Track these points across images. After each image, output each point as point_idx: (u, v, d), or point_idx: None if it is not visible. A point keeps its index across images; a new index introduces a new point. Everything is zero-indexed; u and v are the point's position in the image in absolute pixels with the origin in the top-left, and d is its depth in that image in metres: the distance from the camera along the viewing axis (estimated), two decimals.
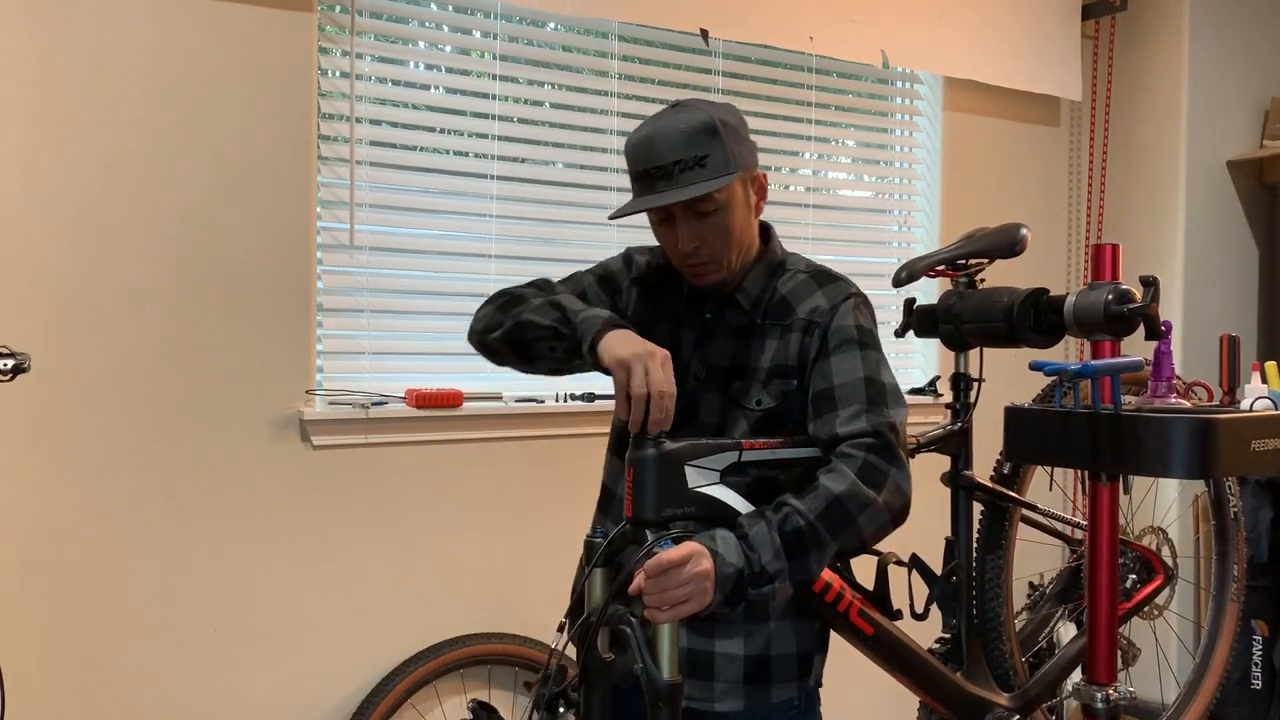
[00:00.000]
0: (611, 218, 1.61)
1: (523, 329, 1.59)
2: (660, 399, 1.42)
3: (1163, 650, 3.19)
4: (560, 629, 1.53)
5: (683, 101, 1.62)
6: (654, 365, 1.42)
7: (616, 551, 1.50)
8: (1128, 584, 2.13)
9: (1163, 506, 3.30)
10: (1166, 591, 2.16)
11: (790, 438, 1.58)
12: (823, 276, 1.67)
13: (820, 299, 1.63)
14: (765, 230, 1.73)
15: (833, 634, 1.70)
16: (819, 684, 1.73)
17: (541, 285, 1.72)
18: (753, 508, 1.51)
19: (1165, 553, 2.21)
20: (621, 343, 1.46)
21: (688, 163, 1.52)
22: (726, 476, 1.50)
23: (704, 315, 1.67)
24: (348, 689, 2.58)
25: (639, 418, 1.43)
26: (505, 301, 1.68)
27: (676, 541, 1.40)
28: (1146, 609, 2.15)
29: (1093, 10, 3.65)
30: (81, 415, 2.28)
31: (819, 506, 1.45)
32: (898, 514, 1.52)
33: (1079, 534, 2.11)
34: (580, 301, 1.61)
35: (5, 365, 1.78)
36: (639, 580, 1.37)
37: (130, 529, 2.33)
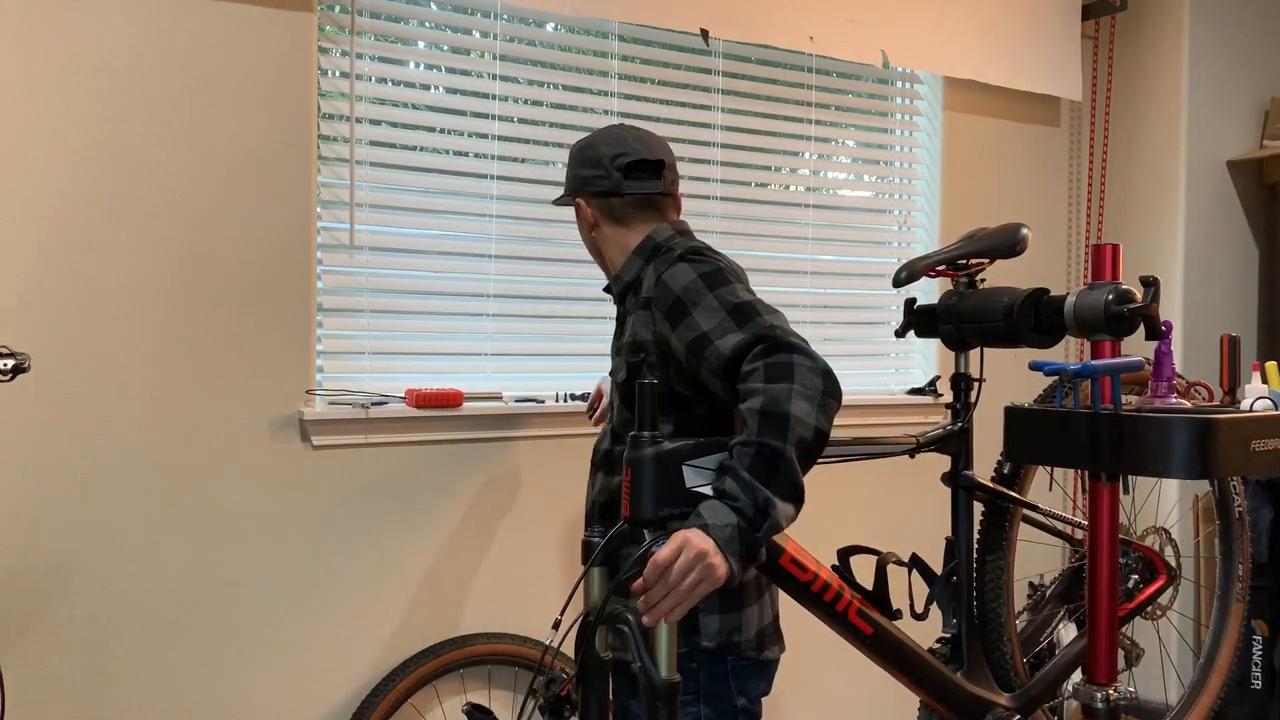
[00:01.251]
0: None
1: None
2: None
3: (1165, 650, 3.19)
4: (554, 626, 1.53)
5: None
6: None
7: (615, 551, 1.50)
8: (1130, 584, 2.13)
9: (1165, 507, 3.30)
10: (1169, 592, 2.16)
11: None
12: (660, 252, 1.81)
13: (650, 272, 1.77)
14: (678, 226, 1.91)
15: (832, 633, 1.70)
16: (733, 647, 1.74)
17: None
18: None
19: (1168, 553, 2.21)
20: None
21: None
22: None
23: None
24: (348, 689, 2.58)
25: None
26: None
27: (668, 535, 1.40)
28: (1149, 609, 2.15)
29: (1093, 10, 3.65)
30: (81, 415, 2.28)
31: (755, 427, 1.45)
32: (822, 386, 1.49)
33: (1080, 534, 2.11)
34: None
35: (5, 365, 1.78)
36: (641, 586, 1.37)
37: (130, 529, 2.33)
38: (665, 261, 1.74)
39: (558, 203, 2.01)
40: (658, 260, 1.79)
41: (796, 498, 1.45)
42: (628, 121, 2.93)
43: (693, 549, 1.35)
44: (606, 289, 1.97)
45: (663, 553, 1.36)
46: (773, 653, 1.82)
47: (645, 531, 1.43)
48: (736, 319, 1.59)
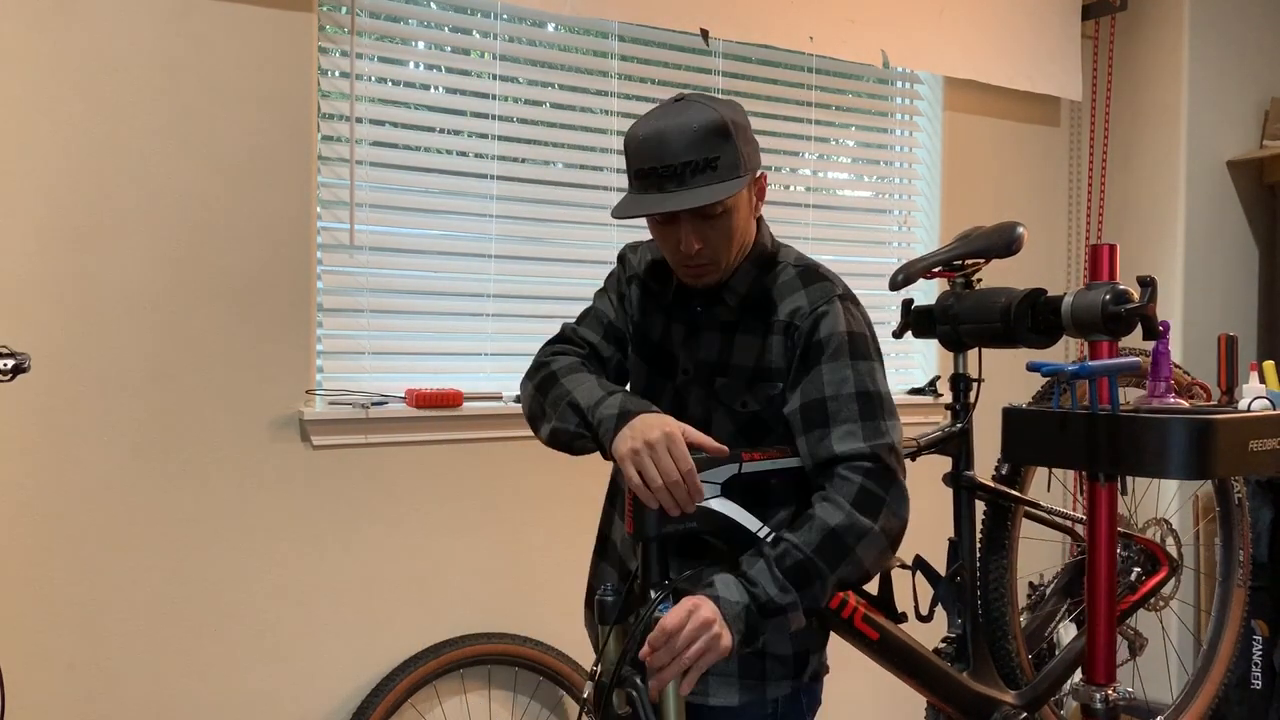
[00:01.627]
0: (616, 216, 1.54)
1: (557, 436, 1.58)
2: (673, 489, 1.41)
3: (1169, 640, 3.19)
4: (591, 676, 1.52)
5: (688, 96, 1.56)
6: (660, 455, 1.40)
7: (629, 609, 1.49)
8: (1132, 577, 2.13)
9: (1165, 497, 3.30)
10: (1172, 583, 2.16)
11: (791, 448, 1.57)
12: (809, 275, 1.61)
13: (802, 299, 1.57)
14: (756, 222, 1.68)
15: (837, 636, 1.69)
16: (818, 676, 1.70)
17: (566, 342, 1.72)
18: (755, 519, 1.50)
19: (1169, 544, 2.21)
20: (625, 439, 1.44)
21: (699, 165, 1.47)
22: (727, 489, 1.49)
23: (694, 309, 1.64)
24: (348, 689, 2.58)
25: (656, 508, 1.42)
26: (540, 381, 1.67)
27: (676, 597, 1.40)
28: (1153, 600, 2.15)
29: (1093, 10, 3.65)
30: (81, 415, 2.29)
31: (815, 539, 1.44)
32: (894, 539, 1.51)
33: (1082, 527, 2.11)
34: (592, 386, 1.56)
35: (5, 365, 1.78)
36: (646, 653, 1.36)
37: (130, 529, 2.34)
38: (820, 294, 1.57)
39: (716, 198, 1.49)
40: (784, 278, 1.61)
41: (812, 613, 1.47)
42: (628, 121, 2.93)
43: (699, 618, 1.35)
44: (681, 286, 1.65)
45: (670, 619, 1.35)
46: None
47: (651, 592, 1.42)
48: (862, 408, 1.51)
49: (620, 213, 1.53)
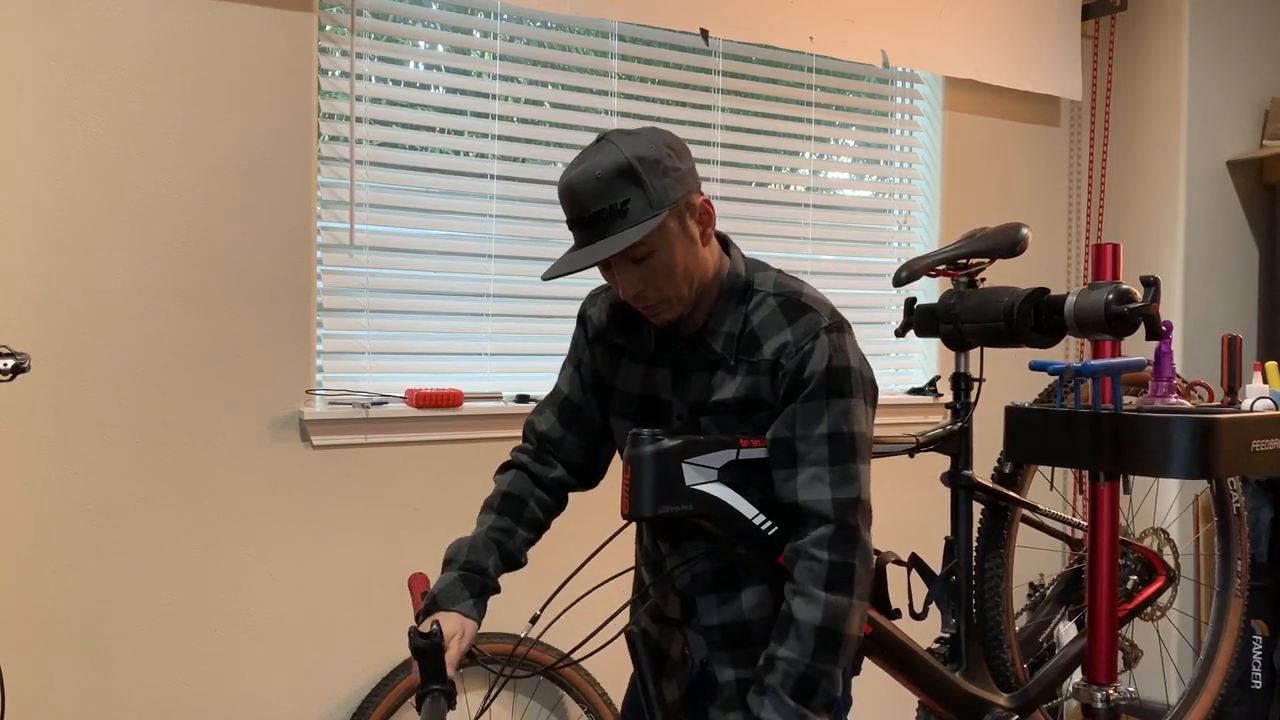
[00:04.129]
0: (545, 278, 1.50)
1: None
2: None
3: (1165, 649, 3.19)
4: (532, 620, 1.54)
5: (605, 135, 1.52)
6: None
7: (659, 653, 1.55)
8: (1129, 585, 2.13)
9: (1163, 508, 3.30)
10: (1169, 593, 2.16)
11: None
12: (791, 306, 1.55)
13: (787, 335, 1.52)
14: (724, 243, 1.62)
15: None
16: (848, 679, 1.71)
17: (524, 442, 1.77)
18: (750, 505, 1.50)
19: (1166, 553, 2.21)
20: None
21: (608, 211, 1.43)
22: (724, 474, 1.49)
23: (679, 352, 1.60)
24: (348, 689, 2.58)
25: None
26: (483, 507, 1.75)
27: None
28: (1148, 610, 2.15)
29: (1093, 10, 3.65)
30: (81, 415, 2.28)
31: (809, 645, 1.45)
32: (869, 590, 1.53)
33: (1079, 534, 2.11)
34: (459, 545, 1.66)
35: (5, 365, 1.78)
36: None
37: (130, 529, 2.33)
38: (805, 328, 1.51)
39: (625, 244, 1.43)
40: (765, 312, 1.55)
41: (829, 705, 1.47)
42: (627, 122, 2.93)
43: None
44: (686, 336, 1.59)
45: None
46: None
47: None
48: (832, 451, 1.49)
49: (549, 273, 1.49)
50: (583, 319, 1.73)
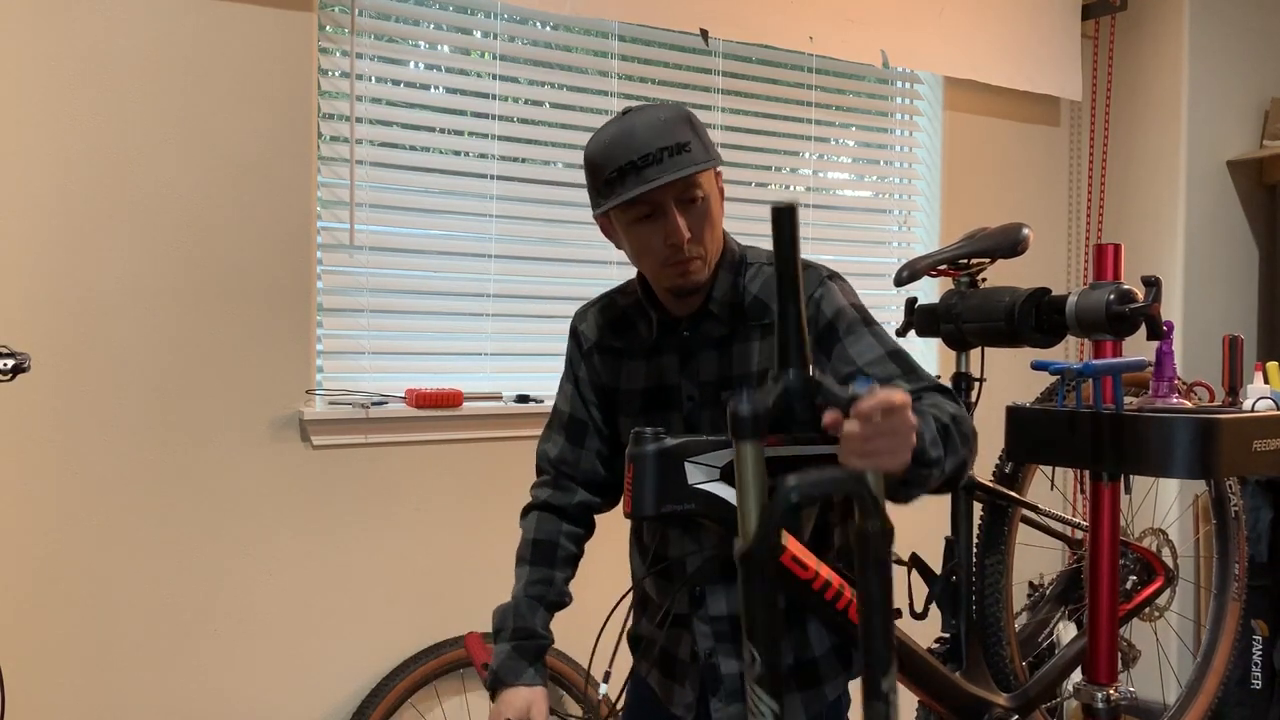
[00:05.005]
0: (600, 214, 1.53)
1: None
2: None
3: (1164, 650, 3.19)
4: (605, 678, 1.51)
5: (634, 106, 1.55)
6: None
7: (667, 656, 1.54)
8: (1128, 585, 2.13)
9: (1163, 508, 3.30)
10: (1167, 593, 2.16)
11: (790, 435, 1.57)
12: (746, 265, 1.61)
13: (759, 290, 1.57)
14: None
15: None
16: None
17: (539, 475, 1.77)
18: None
19: (1165, 554, 2.21)
20: (495, 713, 1.59)
21: (674, 149, 1.46)
22: (727, 473, 1.49)
23: (681, 335, 1.62)
24: (348, 689, 2.57)
25: None
26: (518, 547, 1.74)
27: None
28: (1147, 610, 2.15)
29: (1093, 10, 3.65)
30: (81, 415, 2.28)
31: (947, 415, 1.38)
32: (973, 454, 1.46)
33: (1079, 535, 2.11)
34: (505, 612, 1.65)
35: (5, 365, 1.78)
36: (852, 425, 1.20)
37: (130, 528, 2.33)
38: (809, 281, 1.53)
39: (699, 169, 1.47)
40: (764, 277, 1.58)
41: (943, 482, 1.38)
42: None
43: (911, 416, 1.21)
44: (662, 319, 1.62)
45: (897, 394, 1.19)
46: None
47: (852, 387, 1.23)
48: (901, 366, 1.50)
49: (607, 207, 1.49)
50: (575, 334, 1.74)
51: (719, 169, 1.56)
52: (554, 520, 1.72)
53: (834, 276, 1.58)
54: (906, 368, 1.50)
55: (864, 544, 1.11)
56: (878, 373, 1.48)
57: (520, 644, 1.62)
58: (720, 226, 1.57)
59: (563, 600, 1.69)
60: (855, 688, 1.78)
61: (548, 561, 1.69)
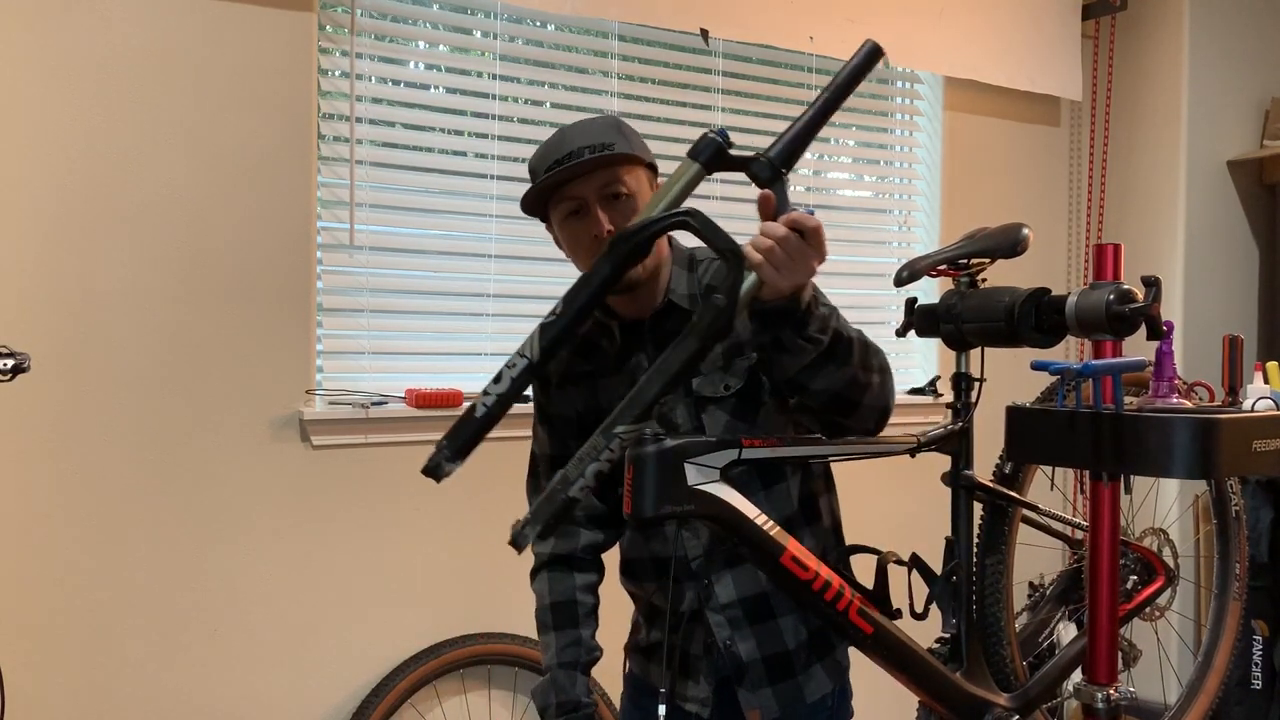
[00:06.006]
0: (524, 202, 1.64)
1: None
2: None
3: (1164, 651, 3.19)
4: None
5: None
6: None
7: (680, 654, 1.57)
8: (1129, 585, 2.13)
9: (1163, 508, 3.30)
10: (1168, 593, 2.15)
11: (791, 435, 1.58)
12: (698, 261, 1.69)
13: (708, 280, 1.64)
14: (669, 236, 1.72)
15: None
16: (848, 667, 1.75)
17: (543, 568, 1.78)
18: (751, 505, 1.51)
19: (1166, 554, 2.21)
20: None
21: (597, 148, 1.54)
22: (726, 474, 1.49)
23: (646, 334, 1.66)
24: (348, 689, 2.57)
25: None
26: (536, 612, 1.76)
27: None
28: (1147, 610, 2.15)
29: (1093, 10, 3.65)
30: (81, 415, 2.28)
31: (859, 333, 1.45)
32: (887, 408, 1.53)
33: (1079, 535, 2.11)
34: (544, 686, 1.68)
35: (5, 365, 1.78)
36: (772, 225, 1.28)
37: (130, 528, 2.33)
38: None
39: (613, 154, 1.56)
40: (715, 267, 1.64)
41: (828, 361, 1.42)
42: (628, 121, 2.93)
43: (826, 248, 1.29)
44: (624, 327, 1.67)
45: (815, 224, 1.28)
46: None
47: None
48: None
49: (525, 202, 1.61)
50: (541, 376, 1.77)
51: (655, 175, 1.63)
52: (566, 575, 1.74)
53: None
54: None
55: (703, 308, 1.24)
56: None
57: (569, 717, 1.64)
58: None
59: (593, 657, 1.70)
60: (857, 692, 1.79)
61: (571, 622, 1.70)
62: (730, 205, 3.13)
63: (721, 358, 1.61)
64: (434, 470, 1.26)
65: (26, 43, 2.21)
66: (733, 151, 1.29)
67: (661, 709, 1.49)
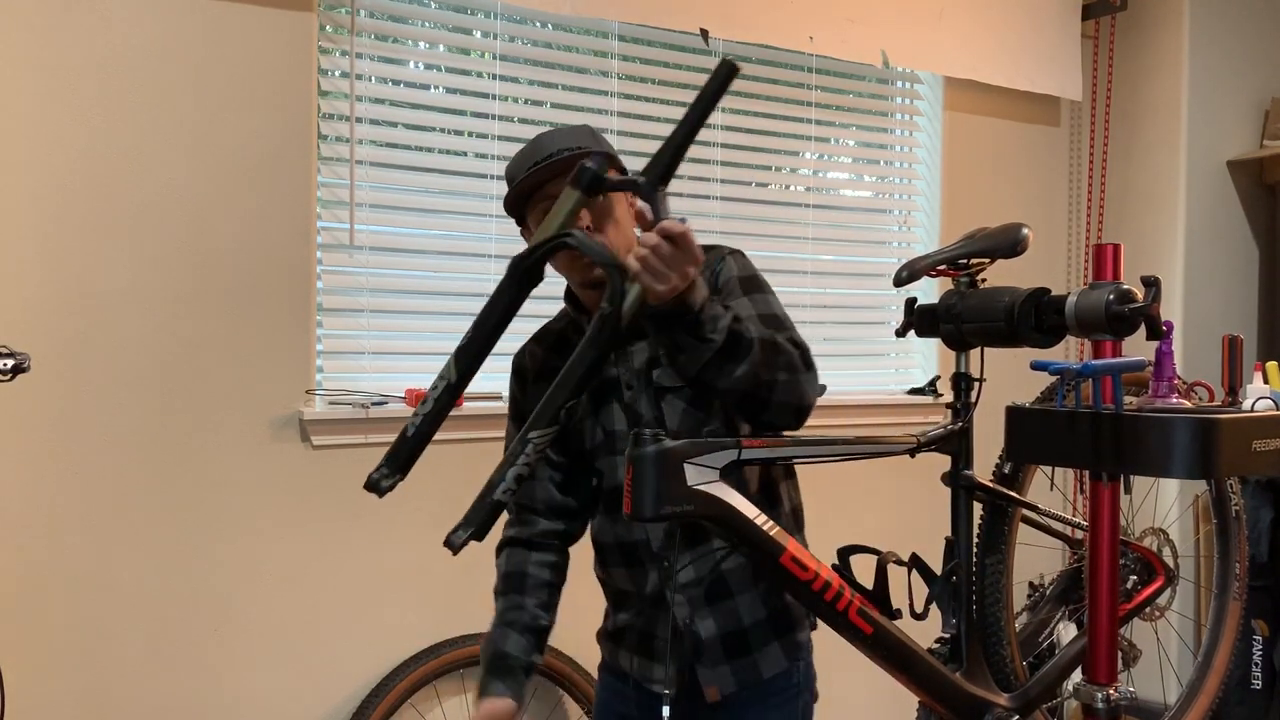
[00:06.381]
0: (505, 203, 1.69)
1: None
2: None
3: (1164, 651, 3.19)
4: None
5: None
6: None
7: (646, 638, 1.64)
8: (1129, 585, 2.13)
9: (1163, 508, 3.30)
10: (1168, 593, 2.15)
11: (791, 436, 1.58)
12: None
13: (704, 270, 1.66)
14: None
15: (831, 633, 1.70)
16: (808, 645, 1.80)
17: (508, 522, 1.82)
18: (752, 506, 1.51)
19: (1166, 554, 2.21)
20: None
21: (570, 149, 1.60)
22: (726, 474, 1.49)
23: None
24: (348, 689, 2.57)
25: None
26: (494, 595, 1.82)
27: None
28: (1147, 610, 2.15)
29: (1093, 10, 3.65)
30: (81, 415, 2.28)
31: (765, 336, 1.50)
32: (801, 405, 1.56)
33: (1079, 535, 2.11)
34: (485, 650, 1.74)
35: (5, 365, 1.78)
36: (648, 235, 1.34)
37: (130, 529, 2.33)
38: (713, 256, 1.71)
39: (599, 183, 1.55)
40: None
41: (717, 366, 1.46)
42: (628, 121, 2.93)
43: (701, 253, 1.36)
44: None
45: (689, 228, 1.35)
46: None
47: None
48: (768, 326, 1.61)
49: (507, 200, 1.67)
50: (518, 372, 1.85)
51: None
52: (522, 552, 1.80)
53: (734, 253, 1.74)
54: (775, 328, 1.61)
55: (596, 320, 1.34)
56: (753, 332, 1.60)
57: (493, 663, 1.71)
58: (626, 226, 1.67)
59: (538, 622, 1.75)
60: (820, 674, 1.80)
61: (517, 590, 1.77)
62: (731, 205, 3.13)
63: None
64: (374, 486, 1.42)
65: (26, 43, 2.21)
66: (610, 175, 1.42)
67: (665, 710, 1.51)
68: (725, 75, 1.37)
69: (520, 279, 1.45)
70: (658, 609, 1.74)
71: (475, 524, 1.40)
